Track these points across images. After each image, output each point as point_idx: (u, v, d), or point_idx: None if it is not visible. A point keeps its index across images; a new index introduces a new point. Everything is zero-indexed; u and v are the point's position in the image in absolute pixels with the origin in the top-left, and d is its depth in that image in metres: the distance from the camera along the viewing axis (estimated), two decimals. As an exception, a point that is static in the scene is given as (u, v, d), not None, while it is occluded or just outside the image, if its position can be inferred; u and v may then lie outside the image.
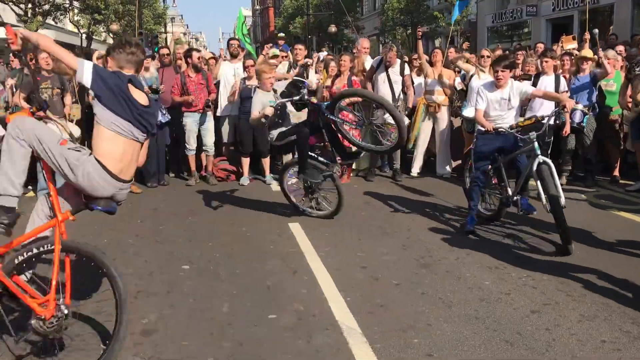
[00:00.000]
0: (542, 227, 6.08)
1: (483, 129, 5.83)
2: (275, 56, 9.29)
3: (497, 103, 5.87)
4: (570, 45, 9.75)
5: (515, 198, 5.77)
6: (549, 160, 5.34)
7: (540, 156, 5.33)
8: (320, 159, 6.27)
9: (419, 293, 4.43)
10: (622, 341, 3.60)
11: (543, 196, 5.23)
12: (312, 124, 6.20)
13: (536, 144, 5.40)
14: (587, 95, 7.78)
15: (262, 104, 6.41)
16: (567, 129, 7.39)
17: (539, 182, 5.27)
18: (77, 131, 7.41)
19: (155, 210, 7.16)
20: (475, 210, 6.01)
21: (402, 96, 8.57)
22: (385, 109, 6.18)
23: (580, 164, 8.27)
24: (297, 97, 6.03)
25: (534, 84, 7.10)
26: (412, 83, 8.76)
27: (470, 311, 4.09)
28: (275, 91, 6.64)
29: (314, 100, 6.21)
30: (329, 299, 4.34)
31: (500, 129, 5.73)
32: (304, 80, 6.57)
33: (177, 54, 9.52)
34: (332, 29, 32.94)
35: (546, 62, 7.08)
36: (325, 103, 6.27)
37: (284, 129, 6.29)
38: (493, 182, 6.22)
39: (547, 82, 7.00)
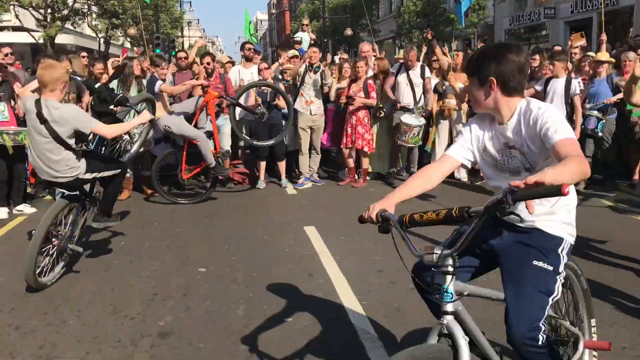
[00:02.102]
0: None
1: None
2: (294, 57, 9.34)
3: None
4: (579, 42, 9.67)
5: None
6: None
7: None
8: None
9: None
10: (643, 348, 3.55)
11: None
12: None
13: None
14: (603, 99, 7.70)
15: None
16: (577, 133, 7.26)
17: None
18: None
19: (172, 214, 7.20)
20: None
21: (422, 99, 8.55)
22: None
23: (600, 168, 8.17)
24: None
25: (545, 87, 7.03)
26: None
27: (489, 315, 4.04)
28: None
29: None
30: (344, 303, 4.32)
31: None
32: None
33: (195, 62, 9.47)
34: (348, 32, 32.98)
35: (554, 65, 7.00)
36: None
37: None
38: None
39: (557, 85, 6.92)
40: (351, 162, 8.63)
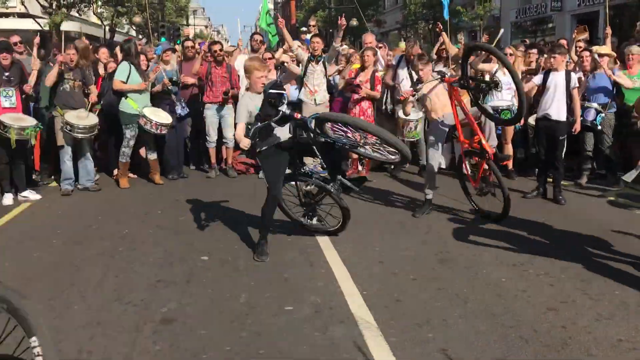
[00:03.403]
0: (564, 226, 6.05)
1: None
2: (298, 47, 9.33)
3: None
4: (582, 36, 9.64)
5: None
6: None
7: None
8: (318, 174, 5.59)
9: (436, 288, 4.44)
10: (638, 340, 3.58)
11: None
12: (299, 140, 5.24)
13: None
14: (604, 92, 7.71)
15: (249, 111, 5.19)
16: (577, 126, 7.31)
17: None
18: (93, 120, 7.55)
19: (176, 202, 7.25)
20: None
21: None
22: (381, 139, 5.02)
23: (602, 163, 8.19)
24: (276, 118, 4.95)
25: (545, 81, 7.03)
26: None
27: (487, 307, 4.10)
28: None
29: (298, 115, 5.19)
30: (345, 292, 4.37)
31: None
32: (282, 92, 5.10)
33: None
34: (354, 22, 32.82)
35: (554, 58, 6.99)
36: (314, 115, 5.22)
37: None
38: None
39: (557, 79, 6.92)
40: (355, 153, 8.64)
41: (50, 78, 7.44)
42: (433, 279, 4.63)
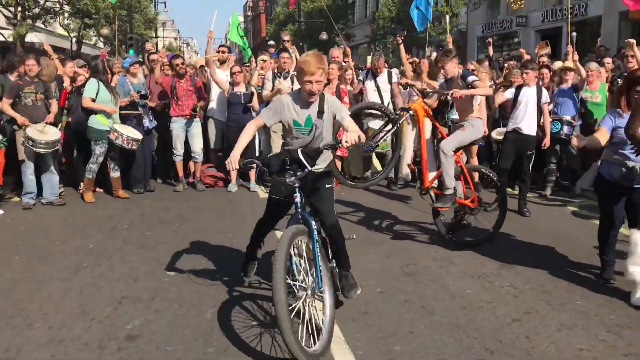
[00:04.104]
0: (529, 237, 6.16)
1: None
2: (263, 61, 9.36)
3: None
4: (544, 51, 9.91)
5: None
6: None
7: None
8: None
9: (402, 301, 4.48)
10: (599, 349, 3.67)
11: None
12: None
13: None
14: (571, 105, 7.90)
15: (277, 119, 3.92)
16: (547, 141, 7.40)
17: None
18: (55, 135, 7.43)
19: (142, 216, 7.17)
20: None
21: (391, 104, 8.65)
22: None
23: (566, 174, 8.38)
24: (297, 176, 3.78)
25: (516, 95, 7.17)
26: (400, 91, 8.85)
27: (452, 319, 4.15)
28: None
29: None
30: (313, 306, 4.37)
31: None
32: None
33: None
34: (323, 36, 33.08)
35: (527, 73, 7.14)
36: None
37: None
38: None
39: (528, 94, 7.07)
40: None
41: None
42: (399, 292, 4.66)
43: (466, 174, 5.99)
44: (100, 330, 3.96)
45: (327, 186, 4.09)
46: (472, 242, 5.85)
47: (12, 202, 7.88)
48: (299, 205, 3.82)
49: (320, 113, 3.88)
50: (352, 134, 3.63)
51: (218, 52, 9.41)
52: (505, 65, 9.50)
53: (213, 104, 8.81)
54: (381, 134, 6.88)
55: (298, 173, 3.76)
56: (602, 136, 4.66)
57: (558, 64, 9.03)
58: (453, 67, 5.85)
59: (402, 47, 9.17)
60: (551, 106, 7.95)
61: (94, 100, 7.59)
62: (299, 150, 3.80)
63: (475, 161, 8.50)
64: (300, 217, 3.84)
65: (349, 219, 6.96)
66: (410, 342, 3.79)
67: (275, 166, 3.96)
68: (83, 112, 7.82)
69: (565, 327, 4.00)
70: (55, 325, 4.04)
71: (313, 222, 3.84)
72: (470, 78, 5.71)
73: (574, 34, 9.64)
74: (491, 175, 6.12)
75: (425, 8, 11.10)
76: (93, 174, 7.85)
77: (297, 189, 3.79)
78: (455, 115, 8.14)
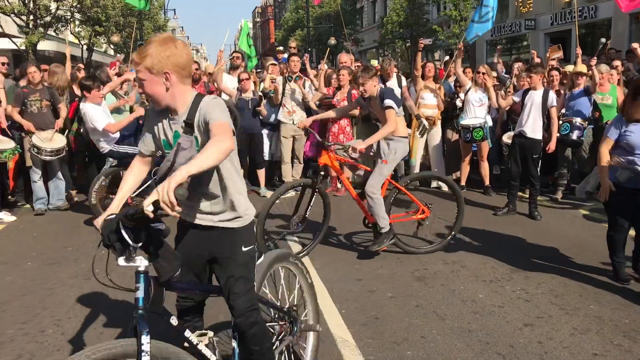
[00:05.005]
0: (540, 241, 6.13)
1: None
2: (272, 64, 9.39)
3: None
4: (556, 54, 9.86)
5: None
6: None
7: None
8: None
9: (413, 306, 4.46)
10: (614, 354, 3.63)
11: None
12: None
13: None
14: (584, 109, 7.84)
15: None
16: (552, 145, 7.27)
17: None
18: (60, 142, 7.47)
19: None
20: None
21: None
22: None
23: (577, 178, 8.32)
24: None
25: (523, 98, 7.14)
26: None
27: (464, 324, 4.12)
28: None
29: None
30: (323, 310, 4.35)
31: None
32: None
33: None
34: (332, 41, 33.09)
35: (531, 77, 7.11)
36: None
37: None
38: None
39: (534, 97, 7.04)
40: (334, 171, 8.68)
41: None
42: (410, 296, 4.64)
43: (406, 192, 5.72)
44: (113, 336, 3.97)
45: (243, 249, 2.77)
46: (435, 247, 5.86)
47: (24, 208, 7.94)
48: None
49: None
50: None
51: (231, 59, 9.50)
52: (516, 66, 9.43)
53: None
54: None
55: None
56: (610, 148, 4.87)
57: (569, 68, 8.97)
58: (372, 86, 5.50)
59: (420, 54, 9.16)
60: (564, 109, 7.91)
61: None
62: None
63: (485, 164, 8.48)
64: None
65: (356, 223, 6.94)
66: (421, 347, 3.77)
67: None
68: None
69: (578, 331, 3.96)
70: (68, 332, 4.06)
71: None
72: (387, 102, 5.37)
73: (603, 39, 9.53)
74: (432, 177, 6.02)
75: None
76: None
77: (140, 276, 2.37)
78: (465, 121, 8.14)
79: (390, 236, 5.53)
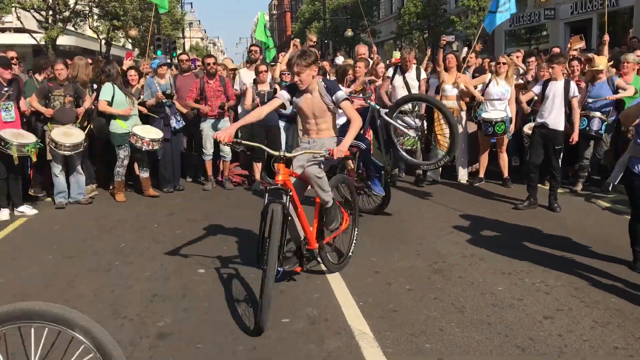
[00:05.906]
0: (559, 233, 6.06)
1: None
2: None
3: None
4: (578, 45, 9.69)
5: None
6: None
7: None
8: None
9: (432, 298, 4.44)
10: (635, 347, 3.59)
11: None
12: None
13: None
14: (604, 102, 7.71)
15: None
16: (575, 137, 7.22)
17: None
18: (79, 137, 7.53)
19: (172, 215, 7.24)
20: None
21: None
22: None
23: (597, 170, 8.22)
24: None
25: (544, 90, 7.04)
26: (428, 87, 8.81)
27: (483, 316, 4.10)
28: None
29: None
30: (341, 303, 4.37)
31: None
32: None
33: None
34: (349, 33, 33.04)
35: (552, 68, 7.01)
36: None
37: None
38: None
39: (556, 88, 6.94)
40: (351, 163, 8.65)
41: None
42: (428, 289, 4.63)
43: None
44: (132, 328, 4.02)
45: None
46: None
47: (46, 202, 8.04)
48: None
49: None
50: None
51: (249, 52, 9.57)
52: (529, 60, 9.22)
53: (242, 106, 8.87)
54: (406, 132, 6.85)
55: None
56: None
57: (601, 60, 8.67)
58: (309, 77, 4.48)
59: (441, 51, 9.08)
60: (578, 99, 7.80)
61: (109, 104, 7.71)
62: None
63: (504, 156, 8.40)
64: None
65: (374, 217, 6.94)
66: (440, 339, 3.76)
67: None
68: (101, 116, 7.93)
69: (599, 324, 3.92)
70: (88, 323, 4.10)
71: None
72: (341, 94, 4.58)
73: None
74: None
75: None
76: (121, 177, 8.02)
77: None
78: (484, 114, 8.06)
79: (294, 261, 4.78)
